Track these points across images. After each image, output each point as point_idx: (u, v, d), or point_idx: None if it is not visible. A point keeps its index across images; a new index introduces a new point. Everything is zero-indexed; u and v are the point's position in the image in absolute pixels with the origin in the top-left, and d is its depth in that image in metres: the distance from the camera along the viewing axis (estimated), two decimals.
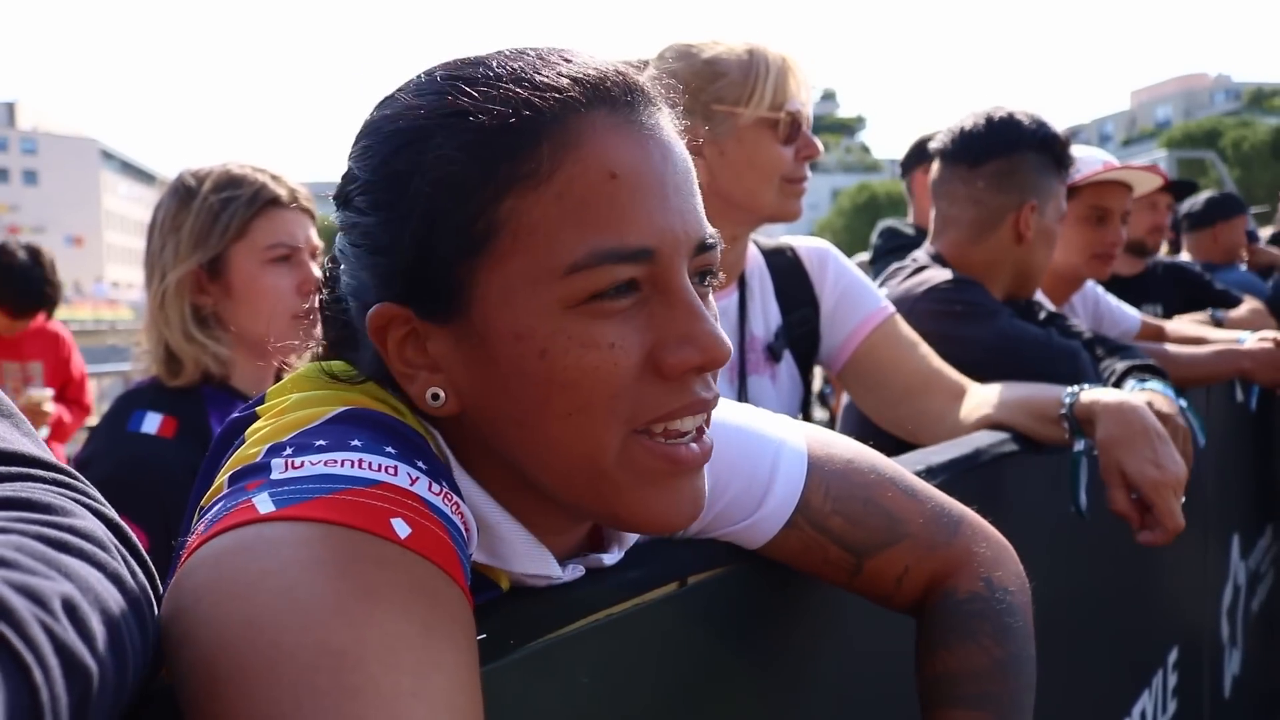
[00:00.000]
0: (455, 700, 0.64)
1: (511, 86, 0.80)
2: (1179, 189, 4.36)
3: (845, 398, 2.61)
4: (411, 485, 0.74)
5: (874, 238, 4.06)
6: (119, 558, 0.65)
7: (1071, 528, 1.87)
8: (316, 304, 0.96)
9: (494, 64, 0.83)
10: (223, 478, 0.77)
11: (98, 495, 0.71)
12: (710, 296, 0.88)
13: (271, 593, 0.62)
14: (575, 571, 0.94)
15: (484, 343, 0.81)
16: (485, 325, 0.80)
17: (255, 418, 0.85)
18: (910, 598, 1.17)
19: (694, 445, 0.84)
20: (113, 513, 0.70)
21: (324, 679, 0.59)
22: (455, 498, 0.79)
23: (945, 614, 1.14)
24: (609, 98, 0.81)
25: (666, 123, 0.86)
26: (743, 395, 2.00)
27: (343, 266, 0.89)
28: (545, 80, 0.80)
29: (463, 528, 0.78)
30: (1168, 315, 4.16)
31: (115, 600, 0.60)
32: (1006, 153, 2.34)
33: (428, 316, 0.83)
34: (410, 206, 0.81)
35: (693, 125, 1.86)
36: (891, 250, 3.76)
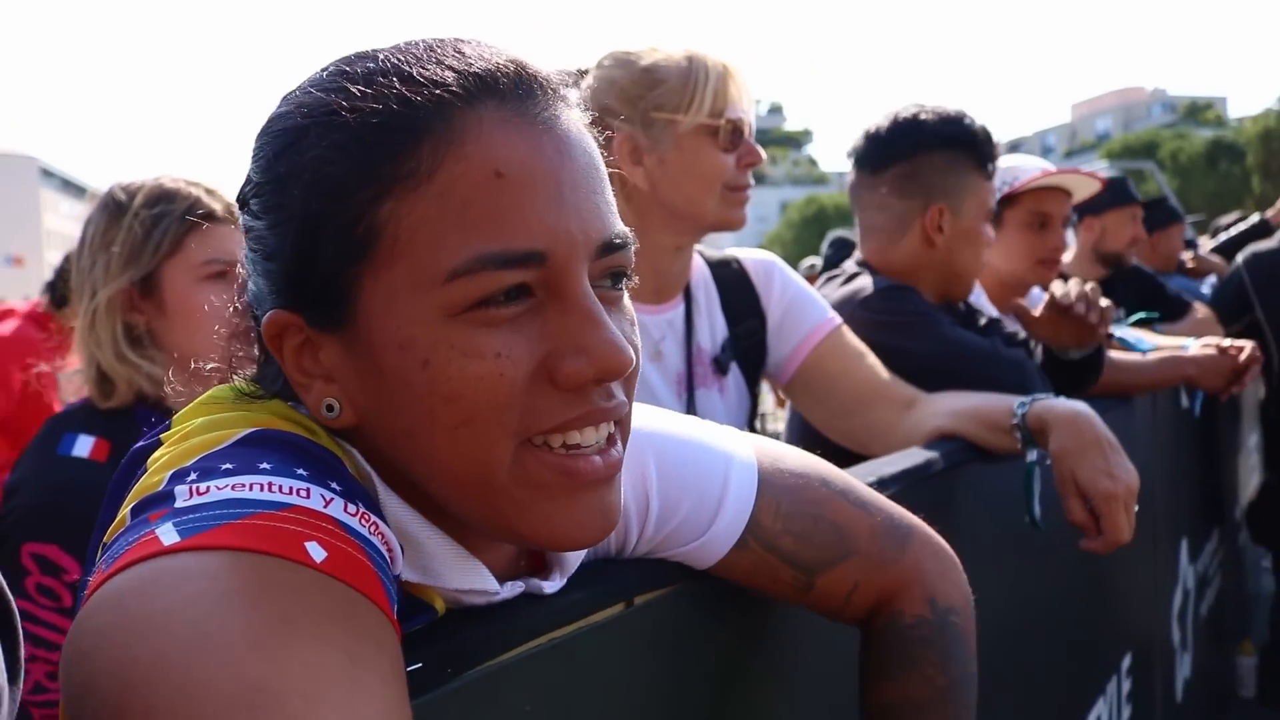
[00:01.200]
0: None
1: (393, 82, 0.76)
2: (1135, 200, 4.44)
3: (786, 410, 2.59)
4: (325, 507, 0.70)
5: (824, 248, 4.08)
6: None
7: (1023, 537, 1.86)
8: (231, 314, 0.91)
9: (380, 58, 0.78)
10: (125, 509, 0.72)
11: None
12: (625, 300, 0.83)
13: (180, 628, 0.58)
14: (514, 588, 0.90)
15: (370, 352, 0.77)
16: (370, 334, 0.76)
17: (159, 445, 0.80)
18: (859, 613, 1.16)
19: (597, 458, 0.79)
20: None
21: (241, 717, 0.55)
22: (374, 518, 0.74)
23: (891, 640, 1.14)
24: (497, 91, 0.77)
25: (569, 116, 0.81)
26: (691, 409, 1.98)
27: (249, 271, 0.85)
28: (429, 74, 0.76)
29: (384, 549, 0.74)
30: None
31: None
32: (909, 155, 2.28)
33: (317, 325, 0.79)
34: (292, 210, 0.77)
35: (631, 132, 1.85)
36: (842, 260, 3.78)
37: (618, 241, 0.80)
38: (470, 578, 0.85)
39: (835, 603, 1.13)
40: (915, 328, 2.18)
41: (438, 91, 0.75)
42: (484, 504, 0.78)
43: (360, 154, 0.75)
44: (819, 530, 1.09)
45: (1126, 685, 2.72)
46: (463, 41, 0.80)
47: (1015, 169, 2.88)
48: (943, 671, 1.12)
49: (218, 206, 1.89)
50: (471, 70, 0.77)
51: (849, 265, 2.44)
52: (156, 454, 0.78)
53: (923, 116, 2.30)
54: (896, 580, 1.15)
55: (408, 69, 0.76)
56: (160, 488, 0.71)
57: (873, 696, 1.14)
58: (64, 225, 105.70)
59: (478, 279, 0.73)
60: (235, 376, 0.89)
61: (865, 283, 2.29)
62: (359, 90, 0.76)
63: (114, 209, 1.87)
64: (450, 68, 0.76)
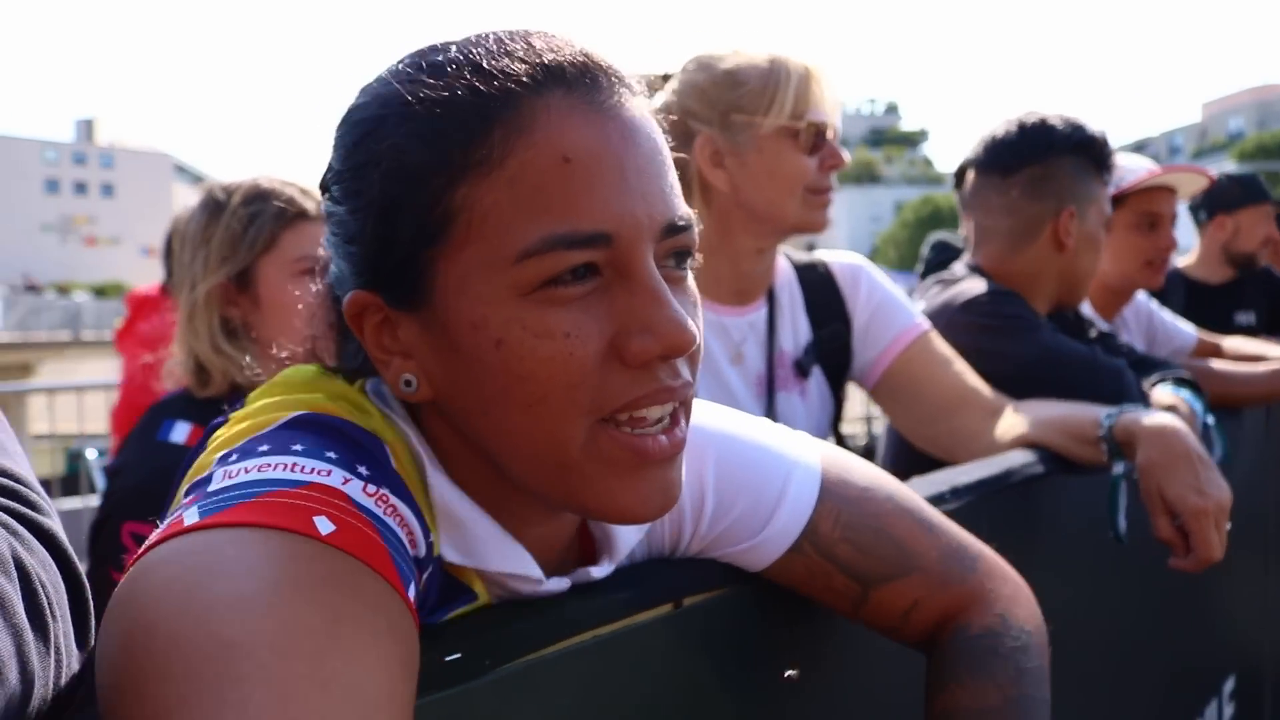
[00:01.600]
0: (362, 687, 0.63)
1: (464, 72, 0.79)
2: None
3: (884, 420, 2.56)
4: (343, 485, 0.74)
5: (924, 250, 4.01)
6: (8, 569, 0.64)
7: (1111, 551, 1.81)
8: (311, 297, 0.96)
9: (452, 50, 0.81)
10: (184, 488, 0.78)
11: (39, 504, 0.72)
12: (689, 281, 0.86)
13: (173, 597, 0.63)
14: (561, 583, 0.92)
15: (446, 331, 0.80)
16: (446, 314, 0.80)
17: (228, 422, 0.86)
18: (919, 632, 1.13)
19: (662, 437, 0.82)
20: (51, 524, 0.71)
21: (211, 669, 0.59)
22: (393, 501, 0.78)
23: (958, 648, 1.10)
24: (564, 79, 0.79)
25: (634, 104, 0.83)
26: (771, 411, 1.97)
27: (331, 255, 0.90)
28: (499, 65, 0.79)
29: (400, 530, 0.77)
30: (1261, 323, 4.06)
31: None
32: (1040, 158, 2.25)
33: (396, 304, 0.83)
34: (370, 196, 0.81)
35: (712, 135, 1.85)
36: (941, 263, 3.71)
37: (681, 223, 0.82)
38: (512, 562, 0.87)
39: (892, 619, 1.11)
40: (1015, 331, 2.15)
41: (510, 81, 0.78)
42: (554, 478, 0.81)
43: (434, 142, 0.78)
44: (880, 543, 1.08)
45: (1229, 710, 2.62)
46: (532, 34, 0.83)
47: (1121, 169, 2.79)
48: (1015, 683, 1.08)
49: (310, 205, 1.96)
50: (540, 61, 0.80)
51: (958, 268, 2.41)
52: (216, 434, 0.83)
53: (1051, 120, 2.28)
54: (962, 598, 1.12)
55: (479, 60, 0.79)
56: (207, 470, 0.76)
57: (938, 702, 1.09)
58: None
59: (547, 259, 0.76)
60: (316, 356, 0.95)
61: (971, 286, 2.26)
62: (432, 81, 0.79)
63: (213, 207, 1.96)
64: (520, 59, 0.79)
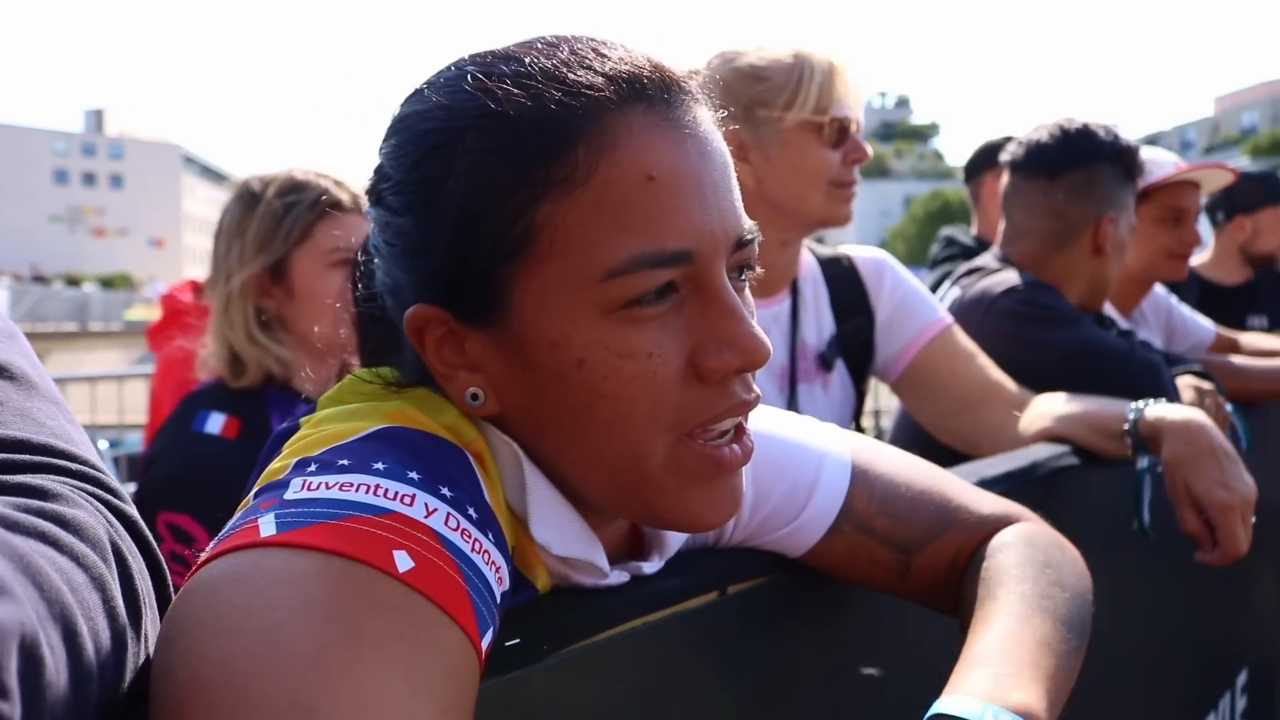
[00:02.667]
0: None
1: (545, 85, 0.78)
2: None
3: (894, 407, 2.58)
4: (426, 517, 0.70)
5: (933, 246, 4.02)
6: (108, 555, 0.63)
7: (1133, 544, 1.83)
8: (353, 303, 0.95)
9: (526, 60, 0.80)
10: (253, 490, 0.76)
11: (120, 492, 0.70)
12: (746, 291, 0.87)
13: (252, 633, 0.60)
14: (620, 577, 0.94)
15: (521, 348, 0.80)
16: (522, 331, 0.79)
17: (299, 427, 0.84)
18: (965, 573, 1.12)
19: (735, 447, 0.84)
20: (134, 513, 0.70)
21: None
22: (475, 534, 0.74)
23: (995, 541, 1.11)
24: (645, 95, 0.80)
25: (704, 117, 0.84)
26: (793, 403, 1.99)
27: (377, 262, 0.88)
28: (579, 78, 0.78)
29: (487, 567, 0.73)
30: (1274, 326, 4.06)
31: (71, 584, 0.58)
32: (1085, 164, 2.31)
33: (464, 319, 0.82)
34: (444, 210, 0.80)
35: (736, 129, 1.87)
36: (948, 258, 3.73)
37: (749, 236, 0.84)
38: (593, 551, 0.89)
39: (939, 575, 1.10)
40: (1057, 321, 2.19)
41: (593, 95, 0.78)
42: (631, 492, 0.83)
43: (516, 157, 0.77)
44: (916, 511, 1.10)
45: (1242, 703, 2.63)
46: (599, 43, 0.82)
47: (1147, 163, 2.81)
48: (1056, 569, 1.06)
49: (345, 197, 1.98)
50: (619, 74, 0.79)
51: (989, 260, 2.44)
52: (294, 438, 0.81)
53: (1094, 128, 2.35)
54: (999, 526, 1.13)
55: (556, 72, 0.79)
56: (282, 475, 0.74)
57: (977, 573, 1.07)
58: (202, 209, 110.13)
59: (633, 279, 0.77)
60: (364, 364, 0.93)
61: (1008, 276, 2.30)
62: (511, 94, 0.78)
63: (248, 199, 1.98)
64: (601, 72, 0.79)
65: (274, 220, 1.94)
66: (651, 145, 0.78)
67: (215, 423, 1.90)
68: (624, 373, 0.78)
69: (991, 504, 1.15)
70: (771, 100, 1.85)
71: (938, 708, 0.86)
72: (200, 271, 2.78)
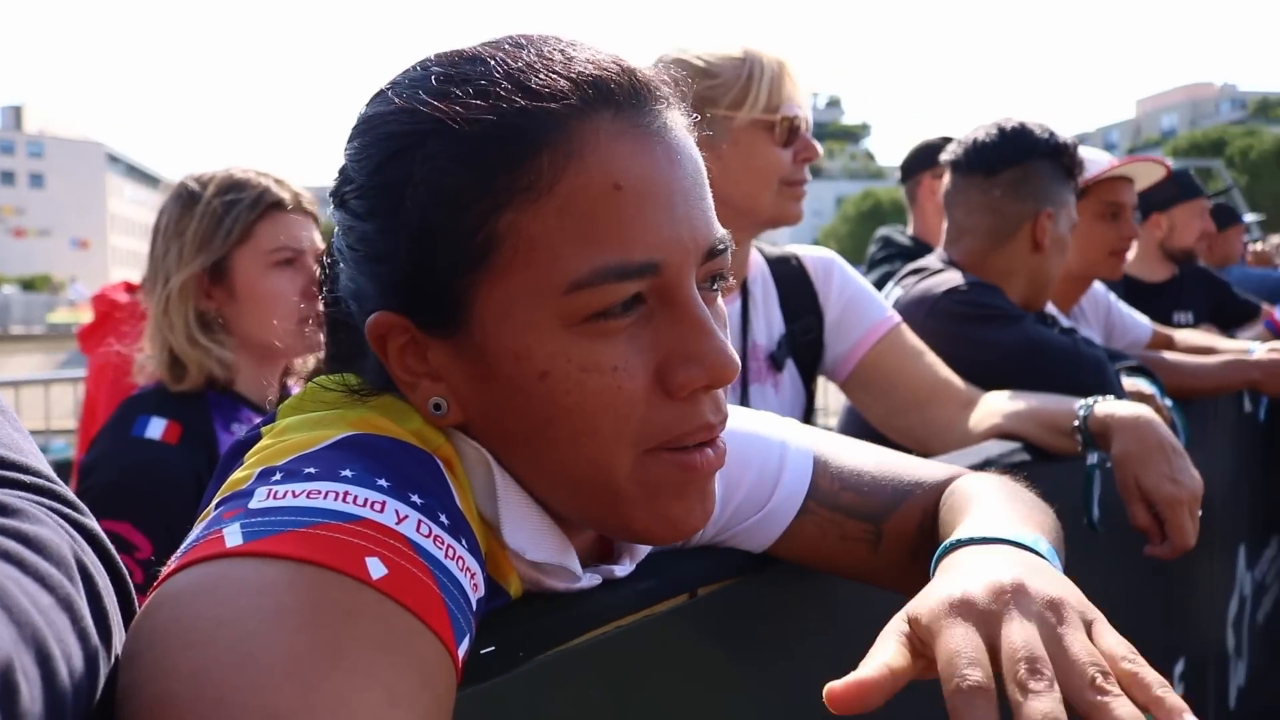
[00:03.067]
0: None
1: (509, 90, 0.76)
2: (1197, 192, 4.34)
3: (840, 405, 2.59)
4: (397, 524, 0.68)
5: (870, 246, 4.05)
6: (74, 574, 0.60)
7: (1078, 539, 1.85)
8: (320, 305, 0.92)
9: (491, 62, 0.78)
10: (214, 501, 0.73)
11: (79, 505, 0.67)
12: (719, 301, 0.85)
13: (224, 645, 0.57)
14: (592, 579, 0.92)
15: (484, 358, 0.78)
16: (485, 341, 0.77)
17: (260, 437, 0.81)
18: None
19: (709, 451, 0.81)
20: (95, 526, 0.67)
21: None
22: (449, 541, 0.71)
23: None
24: (613, 100, 0.77)
25: (676, 122, 0.82)
26: (744, 403, 1.99)
27: (341, 266, 0.86)
28: (544, 83, 0.76)
29: (461, 573, 0.71)
30: (1198, 323, 4.14)
31: (32, 602, 0.55)
32: (1021, 160, 2.35)
33: (426, 328, 0.80)
34: (406, 217, 0.77)
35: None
36: (886, 259, 3.74)
37: (720, 246, 0.81)
38: (566, 556, 0.87)
39: (911, 540, 1.08)
40: (999, 320, 2.22)
41: (559, 101, 0.75)
42: (598, 504, 0.81)
43: (479, 165, 0.75)
44: (878, 483, 1.09)
45: (1179, 689, 2.69)
46: (566, 44, 0.80)
47: (1085, 161, 2.86)
48: (1019, 490, 1.06)
49: (286, 196, 1.95)
50: (586, 78, 0.77)
51: (933, 261, 2.46)
52: (256, 447, 0.78)
53: (1030, 125, 2.39)
54: None
55: (523, 76, 0.76)
56: (246, 485, 0.70)
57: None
58: (128, 210, 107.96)
59: (599, 291, 0.74)
60: (329, 369, 0.90)
61: (951, 277, 2.33)
62: (473, 99, 0.76)
63: (187, 198, 1.93)
64: (567, 76, 0.76)
65: (214, 220, 1.90)
66: (619, 153, 0.76)
67: (156, 428, 1.85)
68: (587, 387, 0.76)
69: (946, 469, 1.15)
70: (722, 99, 1.84)
71: (946, 542, 0.85)
72: (128, 273, 2.70)
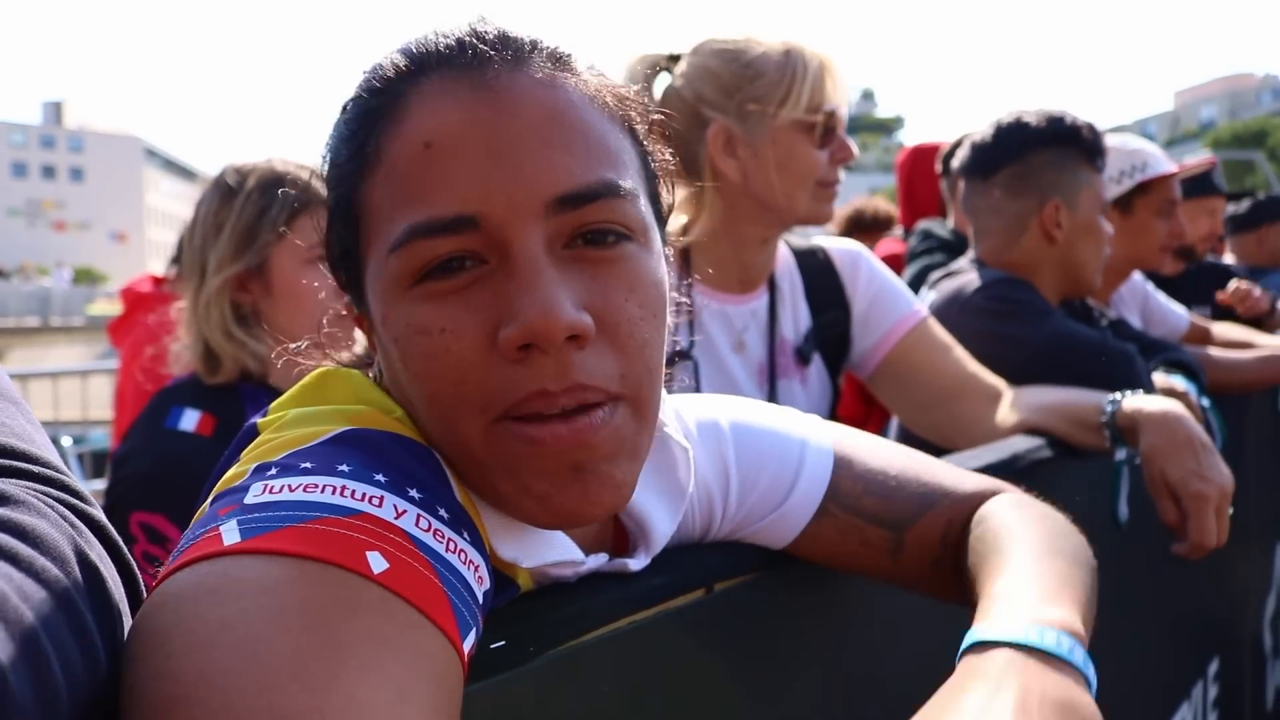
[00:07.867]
0: None
1: (370, 72, 0.82)
2: (1225, 192, 4.29)
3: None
4: (396, 519, 0.67)
5: (910, 238, 4.01)
6: (71, 568, 0.59)
7: (1108, 535, 1.84)
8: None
9: (396, 47, 0.83)
10: (210, 496, 0.72)
11: (85, 495, 0.67)
12: (627, 260, 0.78)
13: (229, 647, 0.57)
14: (597, 560, 0.91)
15: (375, 331, 0.82)
16: (373, 314, 0.81)
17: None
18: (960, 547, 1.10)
19: (559, 427, 0.74)
20: (101, 517, 0.66)
21: None
22: (449, 534, 0.70)
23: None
24: (444, 61, 0.78)
25: (530, 75, 0.78)
26: (772, 398, 1.98)
27: None
28: (390, 61, 0.80)
29: (464, 566, 0.70)
30: (1212, 318, 4.09)
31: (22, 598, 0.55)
32: (1017, 157, 2.31)
33: (357, 306, 0.86)
34: (331, 201, 0.85)
35: (726, 124, 1.86)
36: (926, 251, 3.70)
37: (580, 193, 0.75)
38: (558, 550, 0.86)
39: (933, 552, 1.07)
40: (1028, 316, 2.19)
41: (391, 73, 0.80)
42: (477, 479, 0.78)
43: (346, 142, 0.82)
44: (902, 488, 1.08)
45: (1213, 691, 2.66)
46: (475, 19, 0.82)
47: (1143, 154, 2.82)
48: (1055, 517, 1.06)
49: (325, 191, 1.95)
50: (422, 47, 0.80)
51: (963, 263, 2.45)
52: (254, 443, 0.77)
53: (1026, 118, 2.33)
54: (989, 498, 1.11)
55: (387, 55, 0.81)
56: (241, 480, 0.70)
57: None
58: (164, 203, 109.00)
59: (411, 250, 0.74)
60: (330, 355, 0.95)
61: (987, 273, 2.31)
62: (359, 83, 0.83)
63: (226, 191, 1.94)
64: (406, 49, 0.80)
65: (254, 215, 1.90)
66: (437, 112, 0.76)
67: (190, 419, 1.86)
68: (423, 349, 0.75)
69: (975, 479, 1.13)
70: (763, 96, 1.83)
71: (974, 635, 0.81)
72: (163, 266, 2.72)
